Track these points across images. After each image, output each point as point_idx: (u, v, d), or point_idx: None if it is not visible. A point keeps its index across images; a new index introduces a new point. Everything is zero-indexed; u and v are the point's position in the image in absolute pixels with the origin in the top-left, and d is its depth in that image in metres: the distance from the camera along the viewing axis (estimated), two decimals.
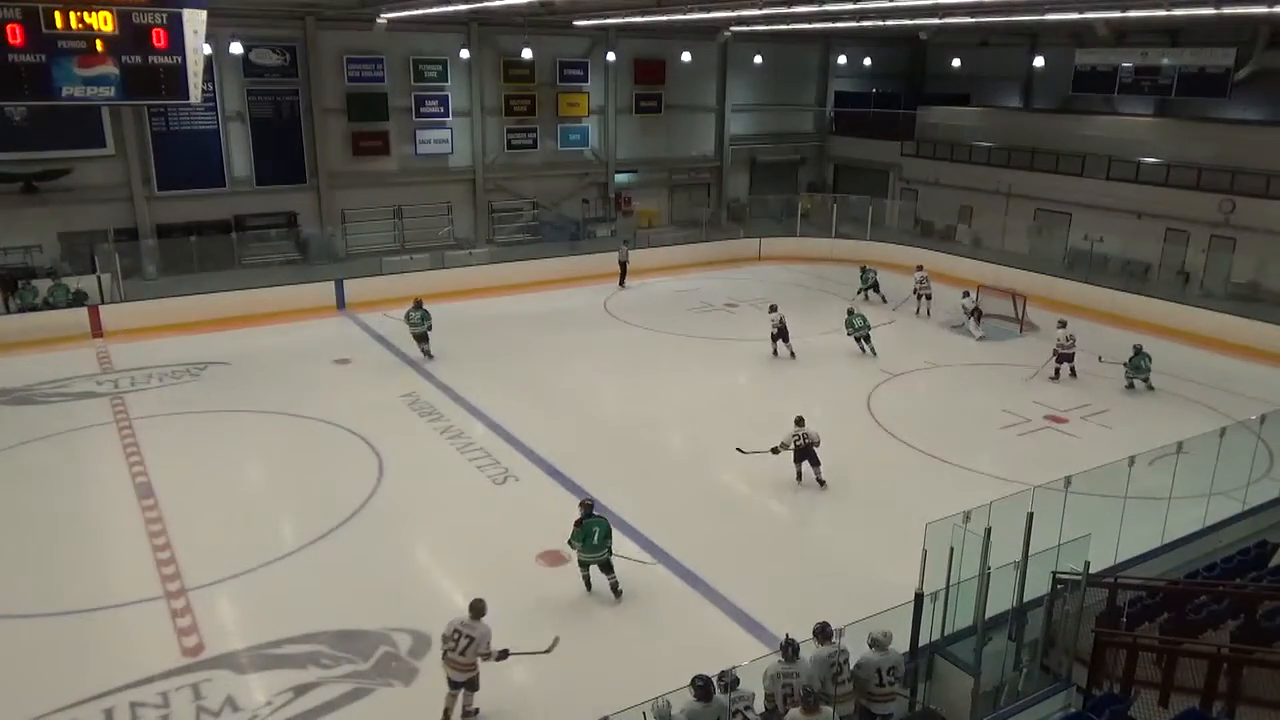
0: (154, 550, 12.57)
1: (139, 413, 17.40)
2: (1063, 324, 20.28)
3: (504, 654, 9.21)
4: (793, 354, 20.95)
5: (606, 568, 11.60)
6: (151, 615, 11.15)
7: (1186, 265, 26.65)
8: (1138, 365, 19.20)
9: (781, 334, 21.00)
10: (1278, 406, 16.80)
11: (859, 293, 25.76)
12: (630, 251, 28.22)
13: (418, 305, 20.58)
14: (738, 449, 14.94)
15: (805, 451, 14.58)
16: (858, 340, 21.14)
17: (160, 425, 16.88)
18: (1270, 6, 17.25)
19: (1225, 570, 10.85)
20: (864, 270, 26.32)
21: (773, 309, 21.27)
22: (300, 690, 9.84)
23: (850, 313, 21.54)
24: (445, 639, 9.16)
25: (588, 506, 11.76)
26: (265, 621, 10.98)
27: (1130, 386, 19.25)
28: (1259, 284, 24.79)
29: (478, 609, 9.29)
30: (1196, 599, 9.80)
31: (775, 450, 14.56)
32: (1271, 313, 23.10)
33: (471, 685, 9.27)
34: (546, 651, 9.43)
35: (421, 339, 20.48)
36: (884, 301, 25.44)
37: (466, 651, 9.05)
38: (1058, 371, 19.78)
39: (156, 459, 15.37)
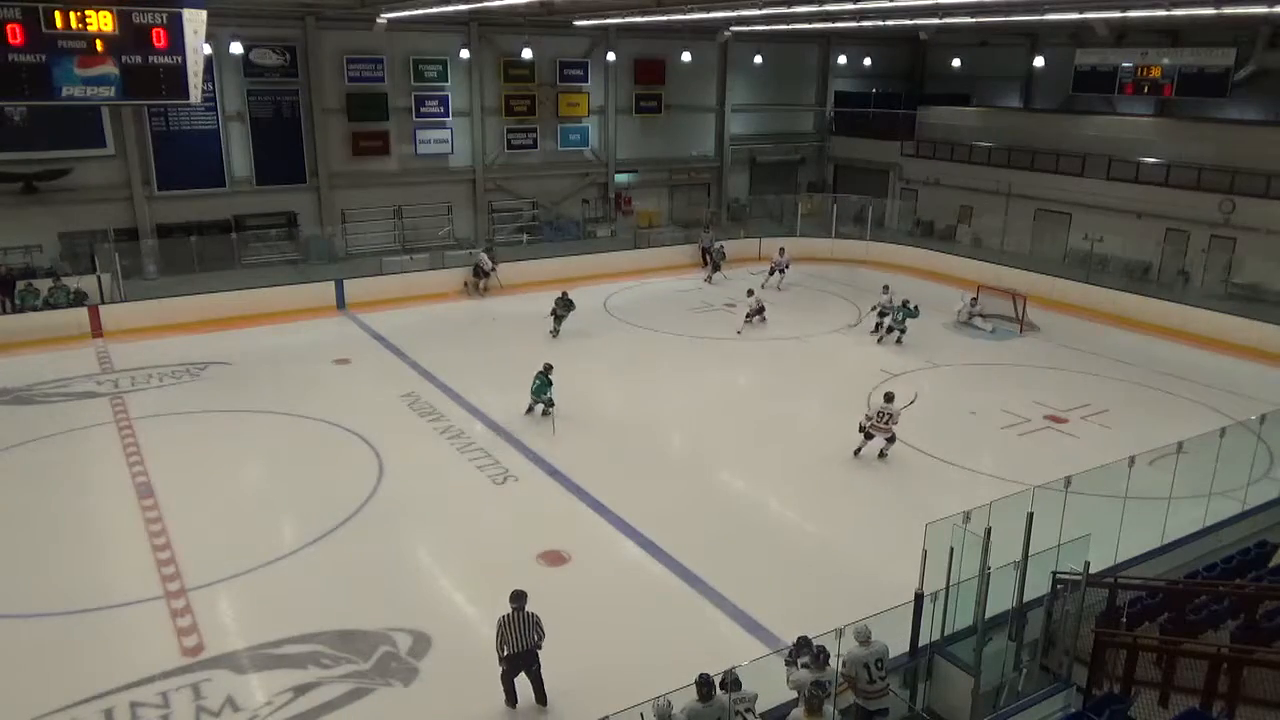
0: (154, 550, 12.57)
1: (139, 413, 17.40)
2: (886, 288, 22.81)
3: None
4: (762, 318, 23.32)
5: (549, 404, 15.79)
6: (151, 615, 11.16)
7: (1186, 265, 26.65)
8: (904, 314, 21.83)
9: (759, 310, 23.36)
10: (1278, 407, 16.78)
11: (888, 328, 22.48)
12: (719, 243, 29.56)
13: (564, 295, 22.74)
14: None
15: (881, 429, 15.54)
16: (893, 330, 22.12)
17: (160, 425, 16.88)
18: (1270, 6, 17.25)
19: (1225, 570, 10.84)
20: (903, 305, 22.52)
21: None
22: (300, 690, 9.84)
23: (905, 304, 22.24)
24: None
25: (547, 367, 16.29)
26: (265, 621, 10.98)
27: (877, 328, 22.22)
28: (1259, 284, 24.76)
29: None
30: (1196, 599, 9.80)
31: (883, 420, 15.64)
32: (1272, 313, 23.10)
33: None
34: None
35: (558, 320, 22.30)
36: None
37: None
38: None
39: (157, 459, 15.37)
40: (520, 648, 9.34)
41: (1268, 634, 9.00)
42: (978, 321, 23.32)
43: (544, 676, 9.51)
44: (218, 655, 10.39)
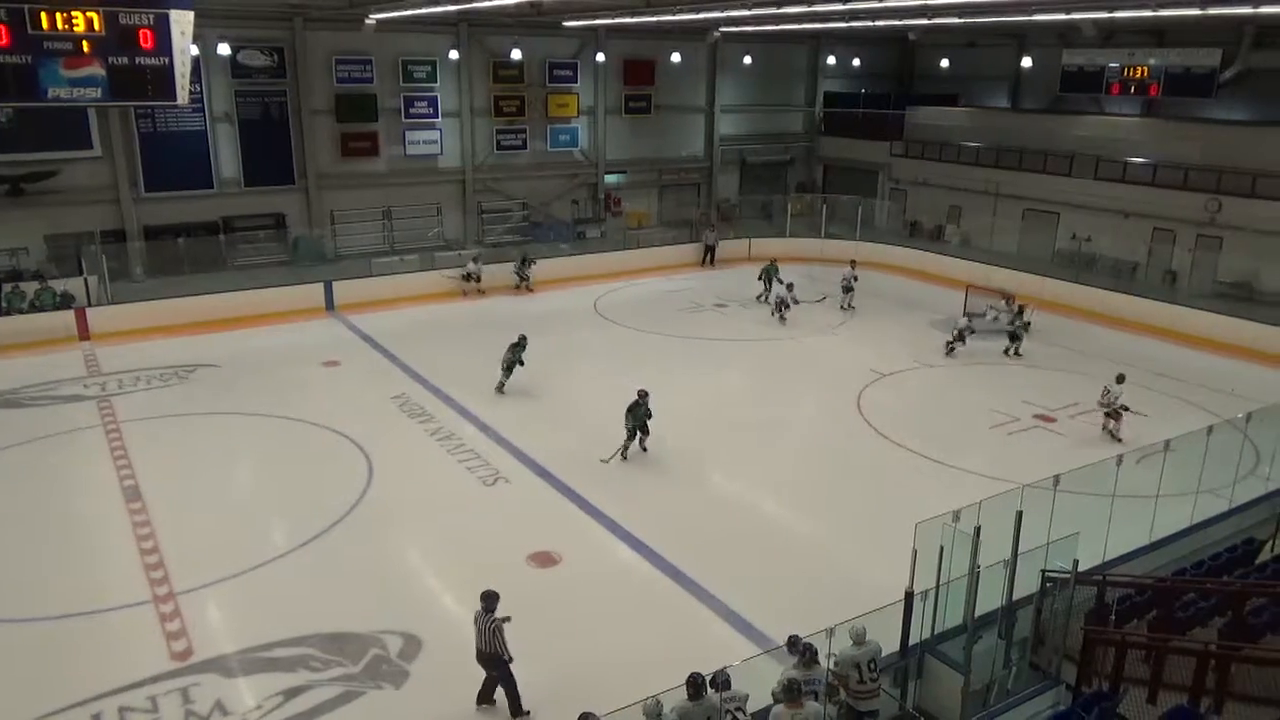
0: (142, 554, 12.50)
1: (127, 415, 17.31)
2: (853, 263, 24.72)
3: None
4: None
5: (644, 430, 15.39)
6: (140, 619, 11.09)
7: (1173, 264, 26.79)
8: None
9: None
10: (1264, 405, 16.89)
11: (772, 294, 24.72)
12: (718, 239, 30.45)
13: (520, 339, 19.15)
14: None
15: (1115, 413, 16.43)
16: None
17: (148, 428, 16.79)
18: (1255, 7, 17.37)
19: (1213, 567, 10.91)
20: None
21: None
22: (290, 694, 9.80)
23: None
24: None
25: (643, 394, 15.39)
26: (254, 625, 10.93)
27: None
28: (1246, 283, 24.92)
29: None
30: (1184, 596, 9.86)
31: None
32: (1258, 311, 23.27)
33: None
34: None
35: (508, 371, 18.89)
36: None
37: None
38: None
39: (144, 462, 15.29)
40: (480, 646, 9.34)
41: (1254, 630, 9.07)
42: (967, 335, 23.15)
43: (532, 679, 9.48)
44: (207, 659, 10.33)
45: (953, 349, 21.49)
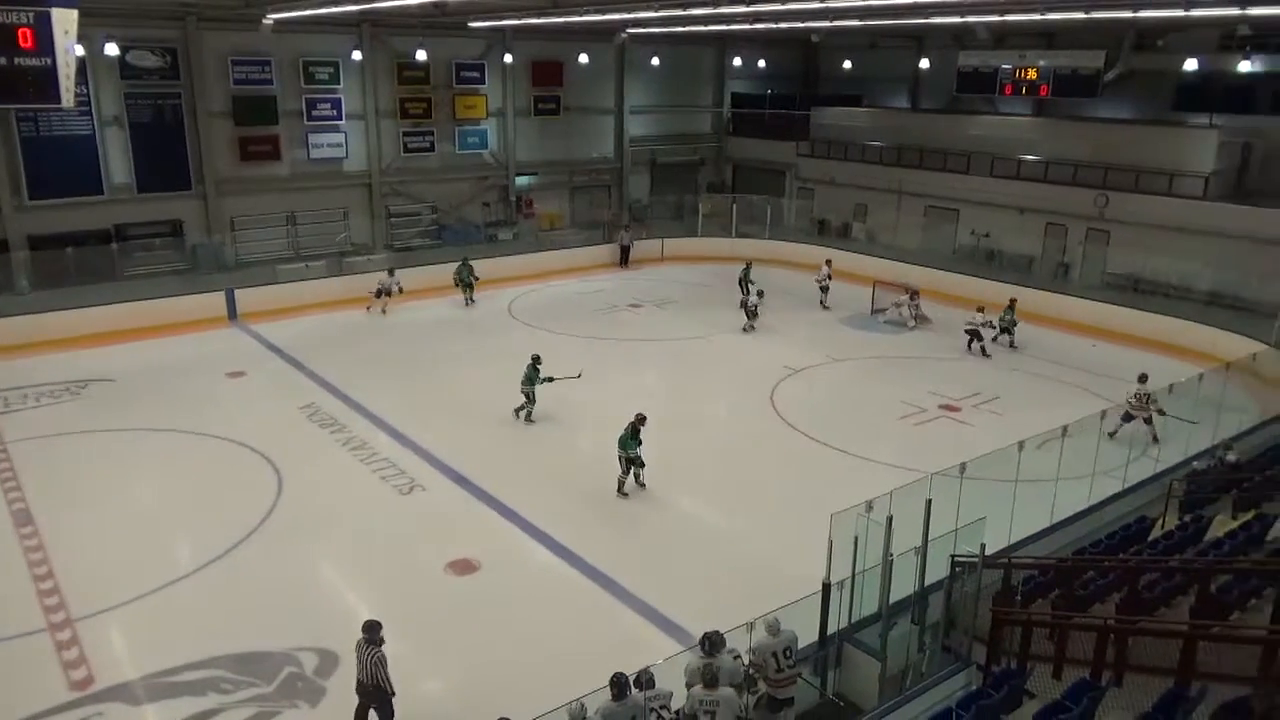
0: (35, 580, 11.88)
1: (14, 435, 16.42)
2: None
3: None
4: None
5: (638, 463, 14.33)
6: (34, 649, 10.54)
7: (1066, 257, 27.99)
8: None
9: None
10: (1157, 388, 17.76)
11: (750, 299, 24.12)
12: (633, 239, 30.75)
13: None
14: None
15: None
16: None
17: (38, 448, 15.96)
18: (1135, 11, 18.25)
19: (1109, 546, 11.42)
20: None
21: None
22: (200, 718, 9.45)
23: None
24: None
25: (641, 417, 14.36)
26: (160, 649, 10.49)
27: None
28: (1132, 274, 26.16)
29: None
30: (1084, 574, 10.29)
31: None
32: (1144, 301, 24.50)
33: None
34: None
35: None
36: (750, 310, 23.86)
37: None
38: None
39: (35, 484, 14.53)
40: (362, 678, 8.97)
41: (1149, 604, 9.52)
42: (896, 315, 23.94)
43: (453, 687, 9.33)
44: (109, 687, 9.88)
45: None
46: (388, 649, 9.03)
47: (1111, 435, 15.76)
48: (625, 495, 14.52)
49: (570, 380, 17.40)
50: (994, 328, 22.31)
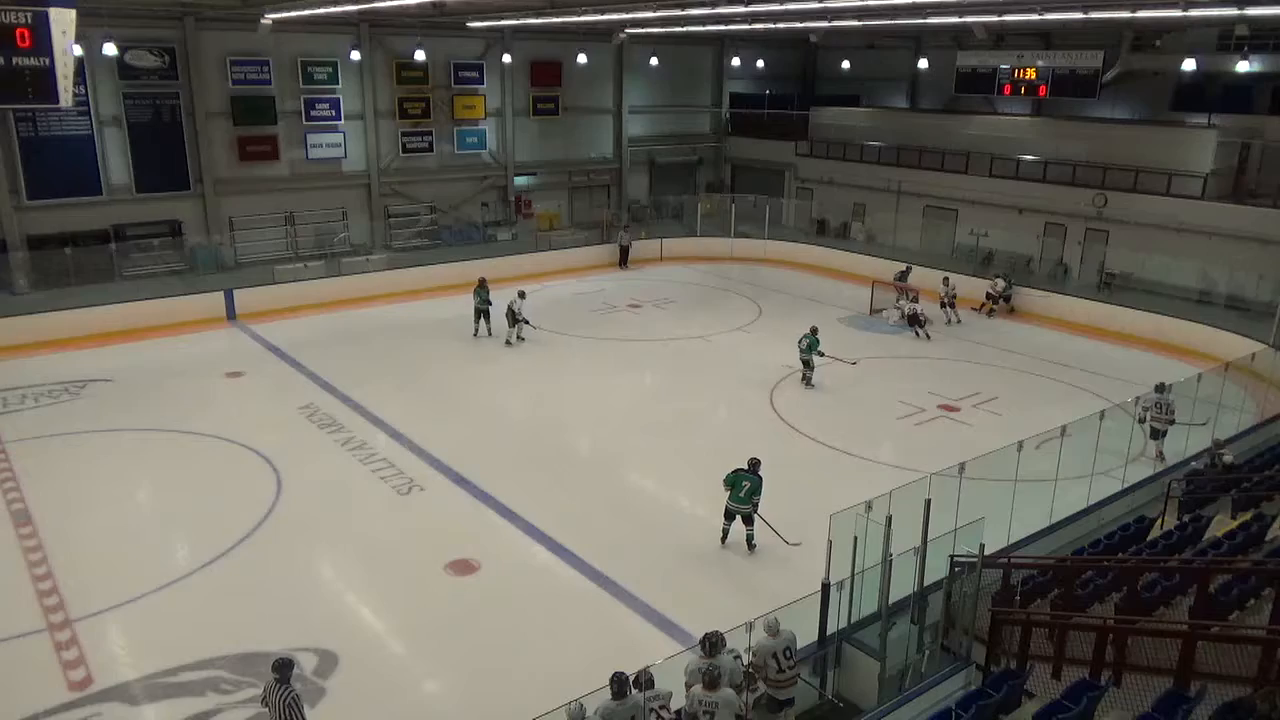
0: (34, 580, 11.87)
1: (13, 436, 16.39)
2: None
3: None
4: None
5: (748, 520, 12.66)
6: (33, 649, 10.51)
7: (1065, 257, 28.00)
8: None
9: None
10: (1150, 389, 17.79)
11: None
12: (632, 239, 30.67)
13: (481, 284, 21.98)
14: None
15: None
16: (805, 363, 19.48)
17: (37, 448, 15.94)
18: (1132, 11, 18.25)
19: (1108, 546, 11.42)
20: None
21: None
22: (199, 718, 9.44)
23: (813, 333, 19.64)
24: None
25: (754, 463, 12.77)
26: (159, 649, 10.48)
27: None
28: (1130, 274, 26.19)
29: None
30: (1083, 574, 10.29)
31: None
32: (1142, 300, 24.51)
33: None
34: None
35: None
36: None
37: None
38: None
39: (34, 484, 14.51)
40: None
41: (1148, 604, 9.53)
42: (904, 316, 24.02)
43: (453, 687, 9.30)
44: (108, 688, 9.87)
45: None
46: (387, 649, 9.03)
47: (1159, 456, 15.50)
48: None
49: (565, 382, 17.36)
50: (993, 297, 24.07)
